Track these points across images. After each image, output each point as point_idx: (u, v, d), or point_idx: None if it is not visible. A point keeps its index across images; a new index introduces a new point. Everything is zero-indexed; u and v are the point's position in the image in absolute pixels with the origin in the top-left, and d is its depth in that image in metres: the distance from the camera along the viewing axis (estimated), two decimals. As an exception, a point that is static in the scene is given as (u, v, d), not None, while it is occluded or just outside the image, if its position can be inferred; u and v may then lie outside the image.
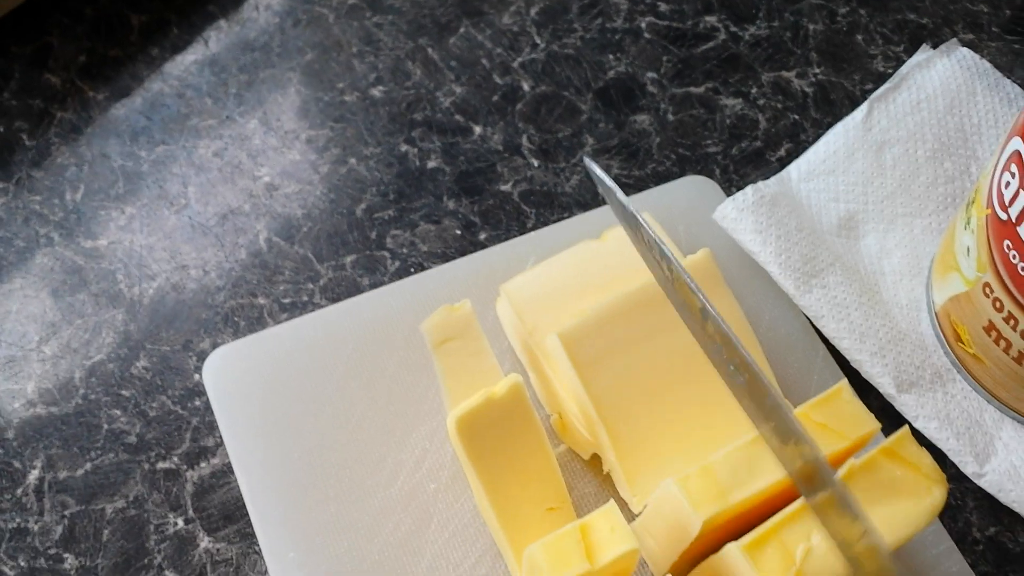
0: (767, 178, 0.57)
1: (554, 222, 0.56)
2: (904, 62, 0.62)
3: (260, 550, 0.46)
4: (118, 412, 0.49)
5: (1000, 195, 0.46)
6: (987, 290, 0.47)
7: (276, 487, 0.46)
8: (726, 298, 0.49)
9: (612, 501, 0.39)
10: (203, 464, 0.48)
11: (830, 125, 0.60)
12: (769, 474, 0.40)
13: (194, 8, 0.62)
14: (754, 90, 0.62)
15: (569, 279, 0.49)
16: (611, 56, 0.63)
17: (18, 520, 0.47)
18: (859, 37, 0.64)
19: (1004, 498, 0.49)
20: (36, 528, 0.47)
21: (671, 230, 0.53)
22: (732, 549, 0.39)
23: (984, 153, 0.57)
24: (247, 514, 0.47)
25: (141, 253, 0.54)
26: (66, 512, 0.47)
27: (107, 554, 0.46)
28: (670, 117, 0.60)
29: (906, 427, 0.42)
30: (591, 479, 0.47)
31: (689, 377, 0.46)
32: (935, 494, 0.40)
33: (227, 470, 0.48)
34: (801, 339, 0.52)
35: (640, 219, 0.41)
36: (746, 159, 0.59)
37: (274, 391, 0.48)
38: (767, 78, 0.62)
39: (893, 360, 0.51)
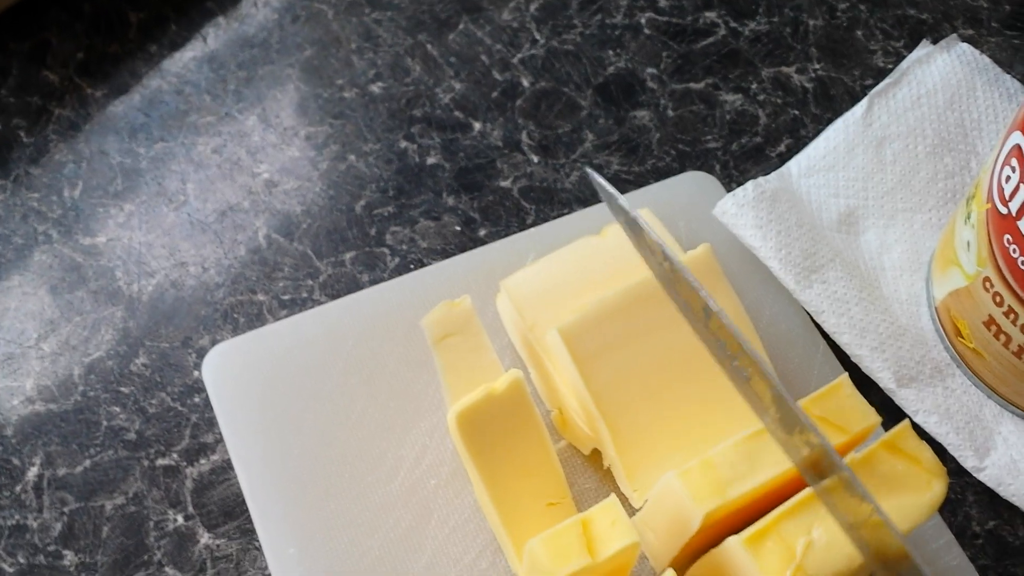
0: (767, 174, 0.56)
1: (554, 218, 0.56)
2: (904, 57, 0.62)
3: (260, 546, 0.46)
4: (117, 409, 0.49)
5: (1000, 189, 0.45)
6: (987, 284, 0.47)
7: (276, 483, 0.46)
8: (727, 293, 0.49)
9: (613, 495, 0.39)
10: (203, 460, 0.48)
11: (830, 121, 0.60)
12: (770, 467, 0.40)
13: (192, 4, 0.62)
14: (754, 86, 0.62)
15: (569, 275, 0.48)
16: (611, 52, 0.62)
17: (17, 517, 0.47)
18: (859, 32, 0.64)
19: (1004, 492, 0.49)
20: (35, 525, 0.46)
21: (671, 226, 0.53)
22: (733, 543, 0.39)
23: (984, 148, 0.57)
24: (247, 510, 0.47)
25: (140, 250, 0.54)
26: (65, 509, 0.47)
27: (107, 551, 0.46)
28: (670, 113, 0.60)
29: (906, 421, 0.42)
30: (591, 474, 0.47)
31: (689, 372, 0.46)
32: (935, 488, 0.40)
33: (227, 466, 0.48)
34: (801, 334, 0.52)
35: (641, 223, 0.41)
36: (746, 155, 0.59)
37: (274, 388, 0.48)
38: (767, 74, 0.62)
39: (893, 355, 0.51)
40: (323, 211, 0.56)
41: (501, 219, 0.56)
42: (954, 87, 0.57)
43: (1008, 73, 0.59)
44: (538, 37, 0.63)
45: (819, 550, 0.38)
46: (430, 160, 0.58)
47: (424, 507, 0.46)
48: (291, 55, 0.61)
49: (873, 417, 0.42)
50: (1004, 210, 0.45)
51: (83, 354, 0.51)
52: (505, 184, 0.57)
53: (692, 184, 0.56)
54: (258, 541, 0.46)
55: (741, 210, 0.53)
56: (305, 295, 0.53)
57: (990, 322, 0.48)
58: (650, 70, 0.62)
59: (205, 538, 0.47)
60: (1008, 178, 0.45)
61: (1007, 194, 0.45)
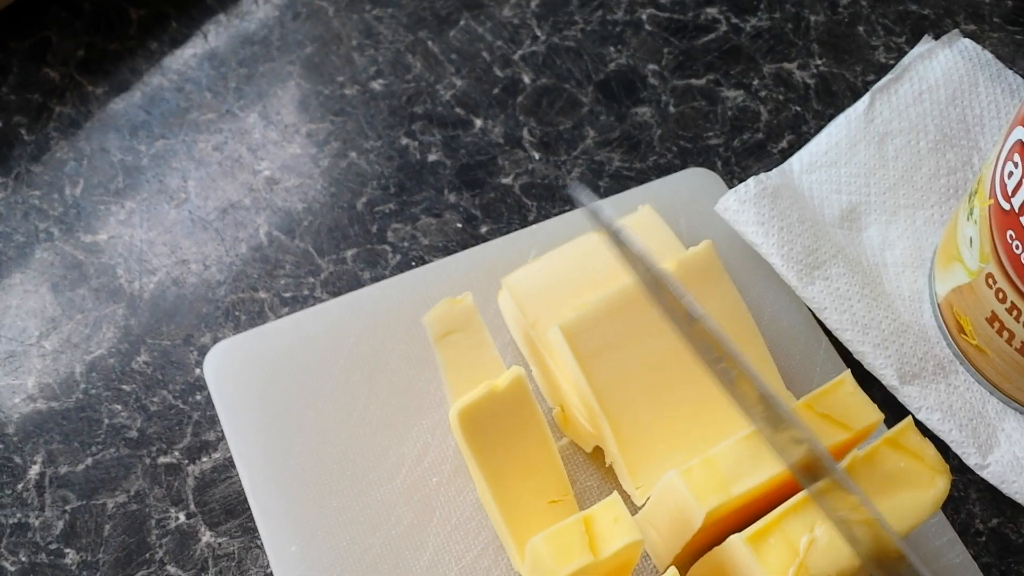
0: (769, 170, 0.56)
1: (555, 215, 0.56)
2: (906, 53, 0.62)
3: (262, 544, 0.46)
4: (119, 407, 0.49)
5: (1003, 185, 0.45)
6: (990, 281, 0.47)
7: (278, 481, 0.46)
8: (728, 290, 0.48)
9: (615, 493, 0.39)
10: (204, 458, 0.48)
11: (832, 117, 0.60)
12: (772, 466, 0.40)
13: (193, 2, 0.62)
14: (756, 82, 0.62)
15: (571, 272, 0.48)
16: (612, 48, 0.62)
17: (19, 515, 0.47)
18: (861, 28, 0.64)
19: (1007, 489, 0.49)
20: (37, 523, 0.46)
21: (673, 223, 0.53)
22: (735, 541, 0.39)
23: (986, 144, 0.56)
24: (249, 508, 0.47)
25: (141, 248, 0.54)
26: (67, 507, 0.47)
27: (108, 549, 0.46)
28: (671, 109, 0.60)
29: (909, 418, 0.42)
30: (593, 472, 0.47)
31: (691, 370, 0.46)
32: (938, 485, 0.40)
33: (228, 464, 0.48)
34: (804, 331, 0.52)
35: (621, 235, 0.40)
36: (748, 151, 0.59)
37: (275, 385, 0.48)
38: (769, 70, 0.62)
39: (896, 352, 0.51)
40: (324, 208, 0.56)
41: (503, 216, 0.56)
42: (956, 83, 0.57)
43: (1010, 68, 0.59)
44: (539, 34, 0.63)
45: (822, 548, 0.38)
46: (431, 157, 0.58)
47: (426, 505, 0.46)
48: (292, 52, 0.61)
49: (876, 414, 0.42)
50: (1007, 206, 0.45)
51: (85, 352, 0.51)
52: (506, 181, 0.57)
53: (694, 180, 0.56)
54: (260, 539, 0.46)
55: (743, 206, 0.53)
56: (306, 292, 0.53)
57: (993, 318, 0.48)
58: (651, 66, 0.62)
59: (207, 536, 0.47)
60: (1011, 174, 0.45)
61: (1010, 190, 0.45)
